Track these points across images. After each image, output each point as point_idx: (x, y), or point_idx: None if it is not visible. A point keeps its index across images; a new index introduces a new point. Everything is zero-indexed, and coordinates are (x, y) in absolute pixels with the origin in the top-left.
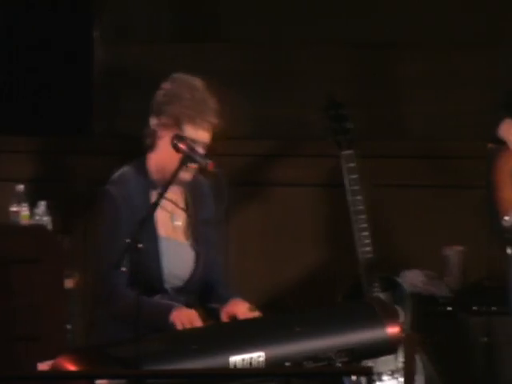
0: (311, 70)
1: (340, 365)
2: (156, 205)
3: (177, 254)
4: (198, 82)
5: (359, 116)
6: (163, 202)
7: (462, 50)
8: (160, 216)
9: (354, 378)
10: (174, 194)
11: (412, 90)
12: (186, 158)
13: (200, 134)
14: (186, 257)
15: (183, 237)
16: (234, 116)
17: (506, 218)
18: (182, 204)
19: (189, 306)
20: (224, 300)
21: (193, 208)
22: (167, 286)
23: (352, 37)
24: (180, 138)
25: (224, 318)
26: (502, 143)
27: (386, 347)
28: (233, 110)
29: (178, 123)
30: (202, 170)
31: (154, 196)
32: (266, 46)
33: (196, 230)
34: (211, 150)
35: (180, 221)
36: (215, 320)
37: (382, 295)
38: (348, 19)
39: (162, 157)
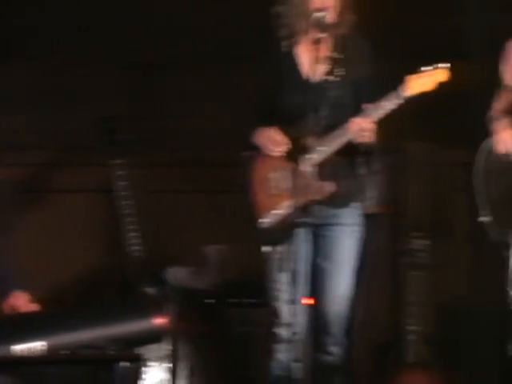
0: (89, 86)
1: (112, 352)
2: None
3: None
4: None
5: (131, 129)
6: None
7: (218, 67)
8: None
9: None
10: None
11: (181, 104)
12: None
13: None
14: None
15: None
16: (16, 127)
17: (263, 220)
18: None
19: None
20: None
21: None
22: None
23: (126, 55)
24: None
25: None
26: (256, 150)
27: (154, 336)
28: (14, 121)
29: None
30: None
31: None
32: (49, 61)
33: None
34: None
35: None
36: None
37: (149, 290)
38: (122, 38)
39: None
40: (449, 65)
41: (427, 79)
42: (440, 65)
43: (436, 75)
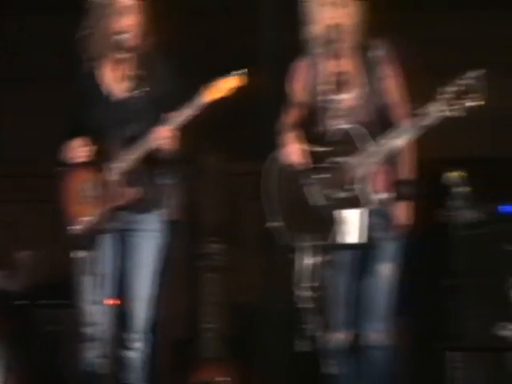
0: None
1: None
2: None
3: None
4: None
5: None
6: None
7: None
8: None
9: None
10: None
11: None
12: None
13: None
14: None
15: None
16: None
17: (72, 226)
18: None
19: None
20: None
21: None
22: None
23: None
24: None
25: None
26: (67, 166)
27: None
28: None
29: None
30: None
31: None
32: None
33: None
34: None
35: None
36: None
37: None
38: None
39: None
40: (243, 71)
41: (223, 86)
42: (234, 72)
43: (231, 82)
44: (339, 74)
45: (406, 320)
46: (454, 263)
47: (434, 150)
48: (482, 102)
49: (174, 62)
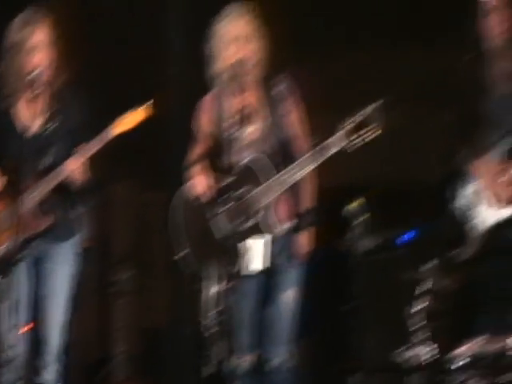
0: None
1: None
2: None
3: None
4: None
5: None
6: None
7: None
8: None
9: None
10: None
11: None
12: None
13: None
14: None
15: None
16: None
17: None
18: None
19: None
20: None
21: None
22: None
23: None
24: None
25: None
26: None
27: None
28: None
29: None
30: None
31: None
32: None
33: None
34: None
35: None
36: None
37: None
38: None
39: None
40: (150, 104)
41: (131, 118)
42: (142, 104)
43: (139, 114)
44: (243, 107)
45: (308, 343)
46: (353, 288)
47: (335, 179)
48: (380, 132)
49: (85, 95)
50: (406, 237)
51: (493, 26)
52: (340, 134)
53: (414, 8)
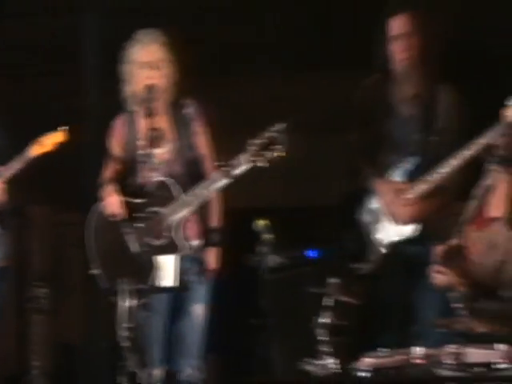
0: None
1: None
2: None
3: None
4: None
5: None
6: None
7: None
8: None
9: None
10: None
11: None
12: None
13: None
14: None
15: None
16: None
17: None
18: None
19: None
20: None
21: None
22: None
23: None
24: None
25: None
26: None
27: None
28: None
29: None
30: None
31: None
32: None
33: None
34: None
35: None
36: None
37: None
38: None
39: None
40: (65, 128)
41: (48, 141)
42: (58, 128)
43: (55, 137)
44: (154, 130)
45: (217, 357)
46: (261, 304)
47: (242, 199)
48: (284, 153)
49: (4, 119)
50: (311, 254)
51: (397, 52)
52: (245, 155)
53: (319, 33)
